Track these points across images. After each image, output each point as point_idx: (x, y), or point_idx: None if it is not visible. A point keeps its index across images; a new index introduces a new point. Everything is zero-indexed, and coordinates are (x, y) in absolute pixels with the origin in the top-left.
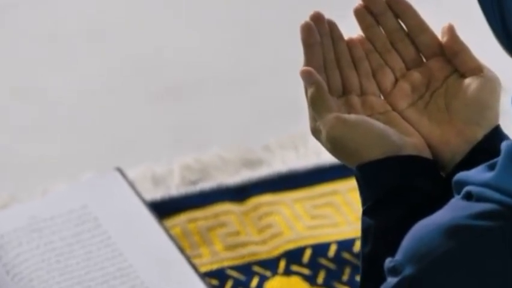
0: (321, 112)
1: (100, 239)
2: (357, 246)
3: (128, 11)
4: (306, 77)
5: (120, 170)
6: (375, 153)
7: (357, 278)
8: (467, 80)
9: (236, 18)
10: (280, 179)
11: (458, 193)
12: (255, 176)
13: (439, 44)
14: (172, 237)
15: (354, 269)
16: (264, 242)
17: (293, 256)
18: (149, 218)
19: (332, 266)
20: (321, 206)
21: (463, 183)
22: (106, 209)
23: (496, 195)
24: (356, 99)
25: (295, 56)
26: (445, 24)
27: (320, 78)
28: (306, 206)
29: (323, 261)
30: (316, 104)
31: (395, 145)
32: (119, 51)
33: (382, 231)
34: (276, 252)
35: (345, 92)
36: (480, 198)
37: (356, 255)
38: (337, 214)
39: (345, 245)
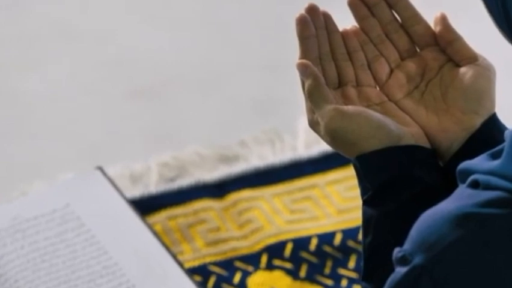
0: (319, 104)
1: (84, 237)
2: (337, 240)
3: (100, 13)
4: (303, 69)
5: (101, 169)
6: (374, 143)
7: (339, 271)
8: (463, 69)
9: (205, 17)
10: (258, 174)
11: (463, 182)
12: (232, 172)
13: (433, 33)
14: (155, 234)
15: (336, 262)
16: (244, 237)
17: (275, 250)
18: (132, 216)
19: (313, 259)
20: (300, 200)
21: (468, 172)
22: (89, 208)
23: (503, 183)
24: (352, 91)
25: (265, 52)
26: (437, 14)
27: (316, 70)
28: (285, 201)
29: (305, 254)
30: (314, 96)
31: (393, 135)
32: (91, 52)
33: (383, 221)
34: (257, 247)
35: (341, 83)
36: (487, 186)
37: (336, 249)
38: (316, 208)
39: (325, 238)
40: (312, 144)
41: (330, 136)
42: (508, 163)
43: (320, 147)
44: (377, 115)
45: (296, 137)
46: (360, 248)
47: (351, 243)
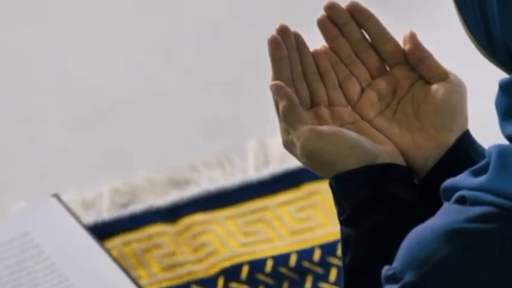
0: (294, 124)
1: (44, 265)
2: (292, 261)
3: (40, 39)
4: (277, 90)
5: (57, 197)
6: (351, 162)
7: None
8: (434, 86)
9: (145, 39)
10: (210, 197)
11: (448, 199)
12: (184, 196)
13: (402, 52)
14: (114, 259)
15: (292, 283)
16: (200, 260)
17: (231, 273)
18: (90, 242)
19: (270, 281)
20: (253, 222)
21: (453, 189)
22: (47, 236)
23: (491, 198)
24: (324, 111)
25: (208, 75)
26: (407, 32)
27: (290, 91)
28: (238, 223)
29: (261, 276)
30: (288, 117)
31: (369, 154)
32: (34, 80)
33: (361, 240)
34: (213, 271)
35: (313, 104)
36: (475, 202)
37: (292, 270)
38: (269, 229)
39: (280, 259)
40: (261, 167)
41: (306, 157)
42: (494, 178)
43: (270, 169)
44: (352, 134)
45: (245, 160)
46: (315, 268)
47: (306, 264)
